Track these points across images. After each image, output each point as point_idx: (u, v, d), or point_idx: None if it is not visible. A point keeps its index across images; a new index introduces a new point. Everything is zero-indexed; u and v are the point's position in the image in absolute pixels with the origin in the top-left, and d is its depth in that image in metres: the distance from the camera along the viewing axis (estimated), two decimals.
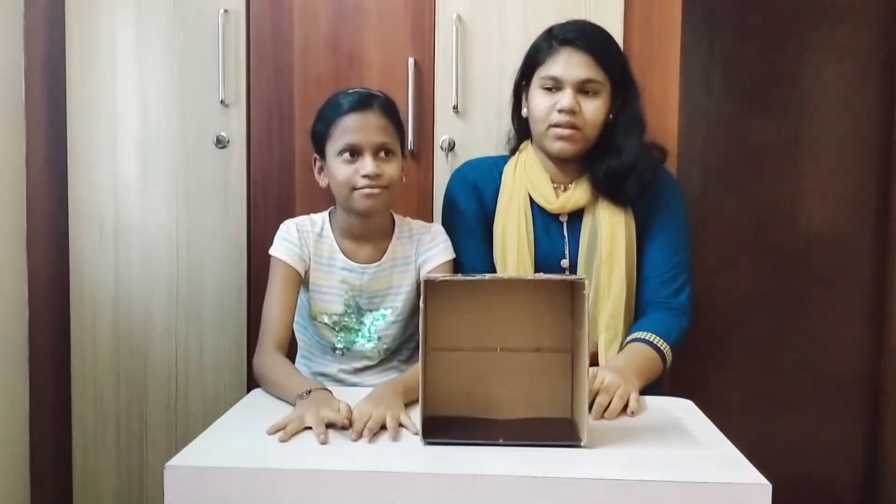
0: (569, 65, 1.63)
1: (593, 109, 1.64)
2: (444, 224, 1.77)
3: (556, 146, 1.65)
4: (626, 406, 1.38)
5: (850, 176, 2.39)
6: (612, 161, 1.66)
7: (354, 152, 1.56)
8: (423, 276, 1.60)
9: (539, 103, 1.66)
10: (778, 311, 2.40)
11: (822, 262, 2.40)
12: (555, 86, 1.64)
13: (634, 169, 1.66)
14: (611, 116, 1.68)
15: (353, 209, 1.59)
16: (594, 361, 1.63)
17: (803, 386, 2.41)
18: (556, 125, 1.63)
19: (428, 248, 1.68)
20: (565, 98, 1.62)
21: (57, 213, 1.99)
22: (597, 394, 1.37)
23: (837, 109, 2.38)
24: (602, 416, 1.34)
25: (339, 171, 1.57)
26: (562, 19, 1.70)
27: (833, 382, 2.40)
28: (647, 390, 1.51)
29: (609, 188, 1.68)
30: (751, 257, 2.39)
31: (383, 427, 1.24)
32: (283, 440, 1.20)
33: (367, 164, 1.54)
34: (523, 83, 1.73)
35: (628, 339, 1.65)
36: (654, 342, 1.61)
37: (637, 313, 1.72)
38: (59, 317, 2.00)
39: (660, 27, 1.91)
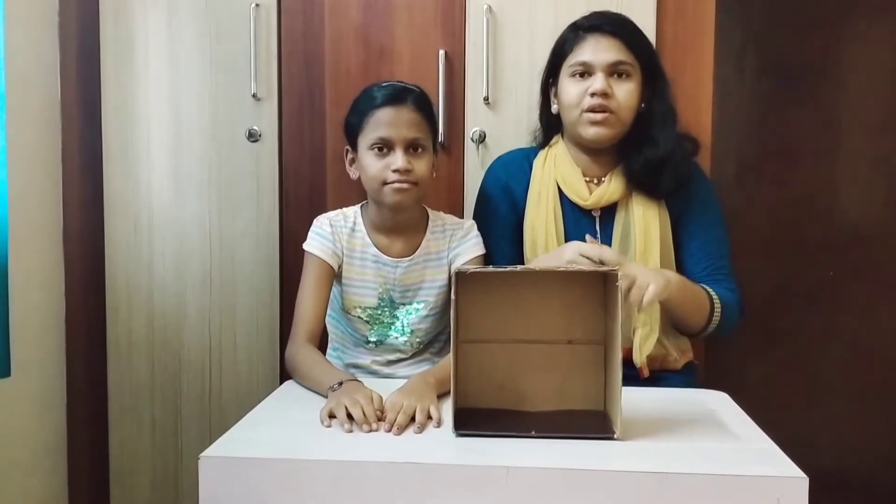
0: (597, 49, 1.61)
1: (626, 92, 1.62)
2: (476, 221, 1.76)
3: (591, 131, 1.63)
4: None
5: (888, 168, 2.35)
6: (648, 152, 1.64)
7: (386, 146, 1.56)
8: (453, 269, 1.60)
9: (570, 90, 1.64)
10: (814, 305, 2.36)
11: (859, 255, 2.36)
12: (585, 71, 1.62)
13: (670, 160, 1.64)
14: (643, 105, 1.66)
15: (382, 203, 1.60)
16: (627, 358, 1.61)
17: (839, 379, 2.37)
18: (590, 110, 1.61)
19: (459, 244, 1.68)
20: (597, 81, 1.60)
21: (92, 208, 2.01)
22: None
23: (875, 100, 2.33)
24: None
25: (370, 164, 1.57)
26: (594, 9, 1.69)
27: (870, 376, 2.37)
28: (681, 384, 1.49)
29: (645, 181, 1.66)
30: (786, 250, 2.36)
31: (414, 419, 1.24)
32: (349, 431, 1.21)
33: (398, 159, 1.54)
34: (551, 80, 1.72)
35: None
36: (708, 290, 1.60)
37: None
38: (94, 310, 2.02)
39: (693, 18, 1.89)
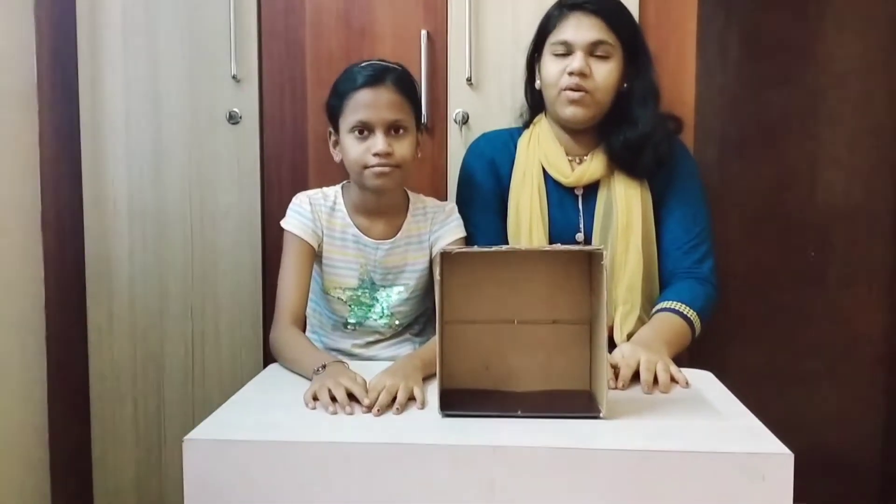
0: (578, 28, 1.61)
1: (605, 73, 1.62)
2: (459, 198, 1.77)
3: (569, 111, 1.63)
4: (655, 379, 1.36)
5: (869, 147, 2.36)
6: (628, 132, 1.64)
7: (366, 129, 1.54)
8: (434, 252, 1.60)
9: (550, 68, 1.64)
10: (796, 284, 2.38)
11: (841, 234, 2.37)
12: (566, 50, 1.62)
13: (650, 139, 1.64)
14: (625, 85, 1.66)
15: (365, 186, 1.58)
16: (609, 336, 1.61)
17: (822, 358, 2.39)
18: (567, 89, 1.61)
19: (441, 226, 1.67)
20: (576, 60, 1.60)
21: (71, 193, 1.98)
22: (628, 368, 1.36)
23: (856, 80, 2.34)
24: (652, 391, 1.33)
25: (350, 148, 1.55)
26: None
27: (852, 355, 2.39)
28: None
29: (625, 160, 1.66)
30: (768, 230, 2.37)
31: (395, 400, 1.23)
32: (333, 413, 1.20)
33: (379, 143, 1.52)
34: (536, 55, 1.72)
35: (654, 310, 1.63)
36: (681, 310, 1.59)
37: (661, 288, 1.70)
38: (75, 297, 2.00)
39: None
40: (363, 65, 1.58)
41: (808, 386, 2.40)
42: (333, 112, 1.59)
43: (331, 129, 1.62)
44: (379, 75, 1.54)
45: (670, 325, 1.58)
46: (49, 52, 1.96)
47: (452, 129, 1.90)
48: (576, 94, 1.61)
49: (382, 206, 1.64)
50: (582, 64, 1.60)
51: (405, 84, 1.57)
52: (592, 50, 1.61)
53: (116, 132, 1.96)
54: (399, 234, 1.64)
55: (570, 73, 1.60)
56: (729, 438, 1.10)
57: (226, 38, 1.90)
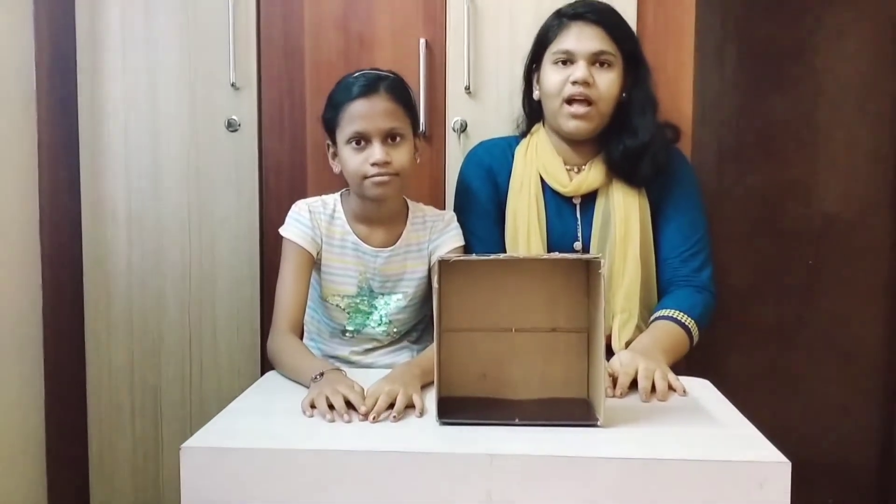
0: (581, 37, 1.62)
1: (608, 82, 1.62)
2: (457, 206, 1.77)
3: (572, 125, 1.64)
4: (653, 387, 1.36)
5: (866, 155, 2.36)
6: (627, 140, 1.65)
7: (362, 140, 1.54)
8: (433, 261, 1.60)
9: (552, 78, 1.64)
10: (794, 292, 2.38)
11: (838, 242, 2.38)
12: (567, 59, 1.63)
13: (649, 148, 1.65)
14: (624, 95, 1.67)
15: (365, 196, 1.58)
16: (607, 344, 1.62)
17: (820, 366, 2.39)
18: (571, 98, 1.62)
19: (440, 235, 1.67)
20: (579, 70, 1.61)
21: (69, 199, 1.98)
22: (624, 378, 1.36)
23: (854, 88, 2.35)
24: (649, 399, 1.32)
25: (349, 159, 1.55)
26: None
27: (849, 363, 2.39)
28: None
29: (624, 168, 1.67)
30: (766, 237, 2.37)
31: (393, 405, 1.23)
32: (330, 420, 1.20)
33: (376, 152, 1.52)
34: (534, 66, 1.72)
35: (652, 318, 1.63)
36: (679, 318, 1.60)
37: (660, 296, 1.70)
38: (72, 302, 2.00)
39: (673, 6, 1.89)
40: (356, 75, 1.58)
41: (805, 394, 2.40)
42: (330, 125, 1.59)
43: (328, 142, 1.63)
44: (372, 84, 1.54)
45: (668, 333, 1.58)
46: (48, 59, 1.96)
47: (451, 137, 1.91)
48: (581, 110, 1.62)
49: (382, 215, 1.64)
50: (585, 73, 1.60)
51: (399, 91, 1.57)
52: (595, 59, 1.62)
53: (115, 139, 1.96)
54: (398, 243, 1.64)
55: (574, 82, 1.60)
56: (726, 447, 1.10)
57: (225, 45, 1.91)
